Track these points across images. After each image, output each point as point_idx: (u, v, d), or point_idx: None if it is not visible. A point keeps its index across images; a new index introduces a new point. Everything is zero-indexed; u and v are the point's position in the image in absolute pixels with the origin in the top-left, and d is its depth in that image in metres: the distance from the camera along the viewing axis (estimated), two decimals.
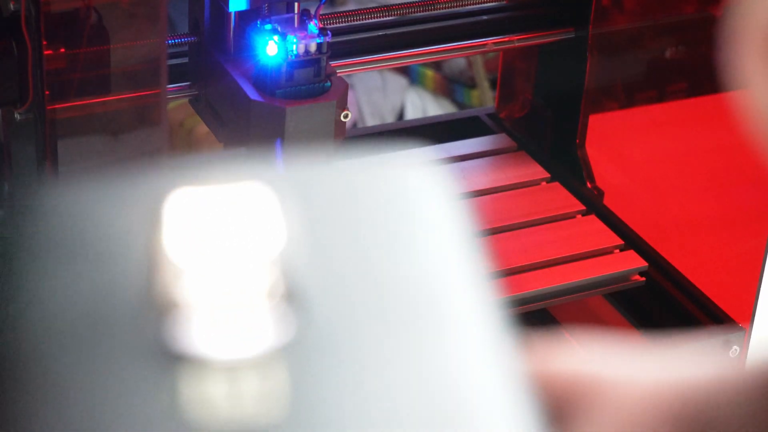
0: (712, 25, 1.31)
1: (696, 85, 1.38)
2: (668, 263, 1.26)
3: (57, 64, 1.01)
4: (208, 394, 0.29)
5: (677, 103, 1.39)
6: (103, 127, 1.07)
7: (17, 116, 1.06)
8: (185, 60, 1.19)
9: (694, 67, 1.37)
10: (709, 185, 1.37)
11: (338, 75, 1.13)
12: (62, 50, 1.01)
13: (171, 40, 1.16)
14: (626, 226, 1.29)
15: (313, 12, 1.11)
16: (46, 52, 1.00)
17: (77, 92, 1.04)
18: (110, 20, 1.02)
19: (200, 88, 1.19)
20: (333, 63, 1.14)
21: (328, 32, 1.10)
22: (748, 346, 1.20)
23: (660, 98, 1.39)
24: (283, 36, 1.09)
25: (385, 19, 1.27)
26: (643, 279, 1.23)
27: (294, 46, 1.09)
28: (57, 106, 1.02)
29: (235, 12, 1.13)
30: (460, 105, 1.97)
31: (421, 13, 1.29)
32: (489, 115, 1.45)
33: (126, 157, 1.06)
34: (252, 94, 1.09)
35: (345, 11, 1.25)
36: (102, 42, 1.02)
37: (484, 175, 1.34)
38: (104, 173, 0.33)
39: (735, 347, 1.19)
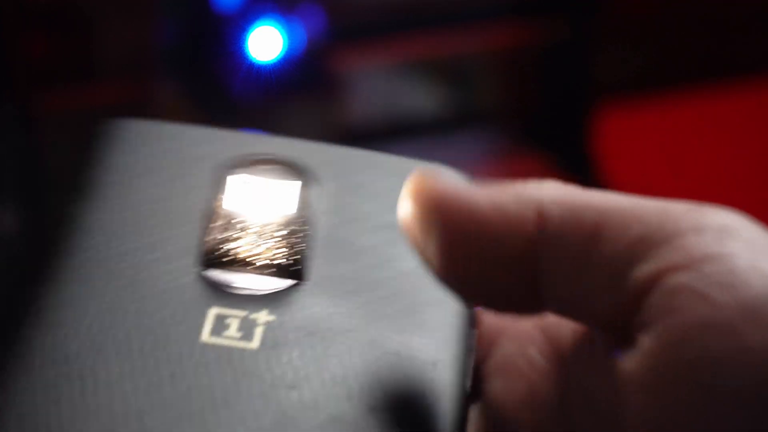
0: (726, 11, 1.31)
1: (711, 79, 1.37)
2: None
3: (40, 53, 1.00)
4: None
5: (689, 98, 1.38)
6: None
7: None
8: (177, 56, 1.18)
9: (707, 60, 1.37)
10: (723, 185, 1.36)
11: (336, 73, 1.13)
12: (45, 40, 1.01)
13: (163, 35, 1.15)
14: None
15: (309, 10, 1.11)
16: (28, 42, 0.99)
17: (61, 84, 1.03)
18: (97, 9, 1.01)
19: (193, 86, 1.18)
20: (331, 61, 1.14)
21: (326, 29, 1.10)
22: None
23: (671, 94, 1.38)
24: (280, 33, 1.08)
25: (384, 15, 1.27)
26: None
27: (291, 44, 1.07)
28: (40, 98, 1.01)
29: (229, 8, 1.12)
30: (462, 103, 1.97)
31: (423, 9, 1.29)
32: (492, 113, 1.44)
33: None
34: (247, 92, 1.09)
35: (341, 8, 1.26)
36: (88, 32, 1.01)
37: (487, 174, 1.34)
38: None
39: None
